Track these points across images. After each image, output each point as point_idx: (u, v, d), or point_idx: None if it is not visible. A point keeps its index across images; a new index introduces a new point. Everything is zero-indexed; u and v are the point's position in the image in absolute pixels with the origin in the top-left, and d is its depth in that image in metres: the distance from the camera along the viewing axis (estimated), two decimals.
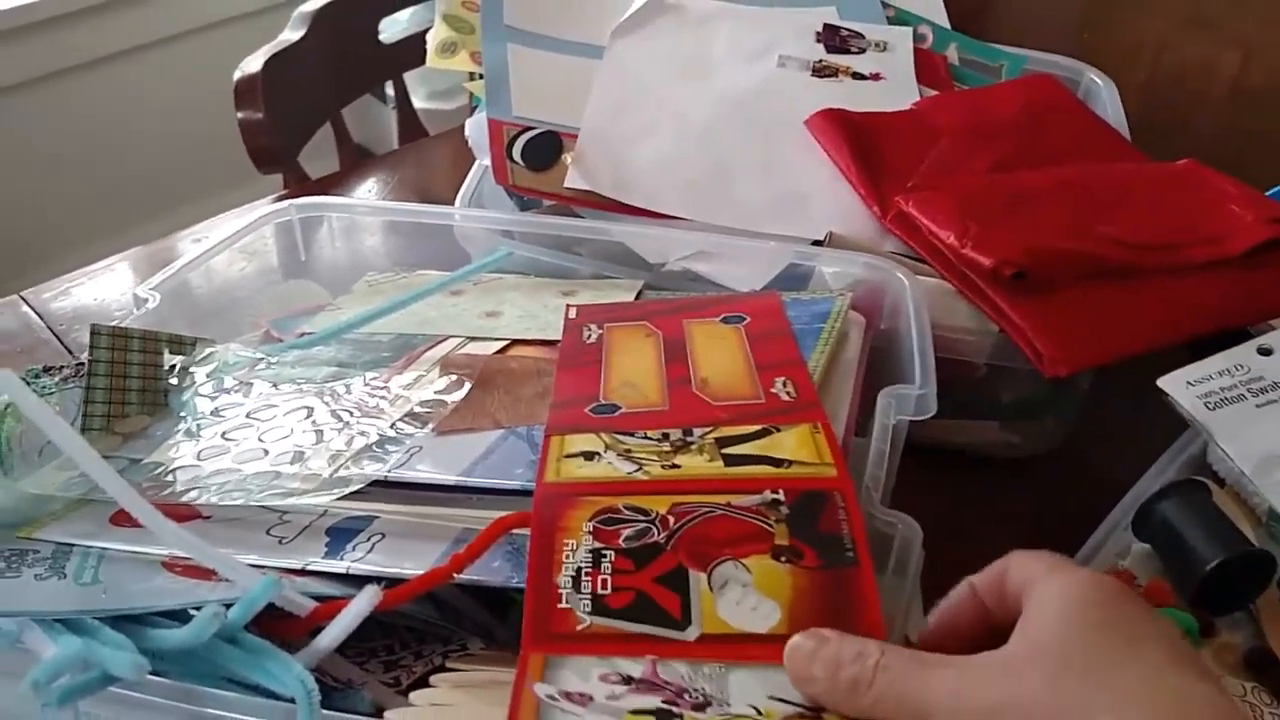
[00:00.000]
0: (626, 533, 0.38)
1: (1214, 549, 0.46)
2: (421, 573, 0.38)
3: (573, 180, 0.67)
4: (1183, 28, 1.12)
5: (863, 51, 0.82)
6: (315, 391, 0.51)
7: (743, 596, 0.35)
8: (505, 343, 0.56)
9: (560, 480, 0.41)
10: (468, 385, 0.51)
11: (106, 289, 0.81)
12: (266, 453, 0.46)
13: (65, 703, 0.32)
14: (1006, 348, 0.57)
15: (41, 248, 1.75)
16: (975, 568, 0.35)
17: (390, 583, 0.38)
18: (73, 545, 0.42)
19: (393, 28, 1.00)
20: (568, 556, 0.37)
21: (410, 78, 1.08)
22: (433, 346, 0.56)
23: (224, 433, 0.48)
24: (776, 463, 0.40)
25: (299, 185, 0.96)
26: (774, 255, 0.62)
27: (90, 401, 0.48)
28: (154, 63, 1.77)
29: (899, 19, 0.87)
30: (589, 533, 0.38)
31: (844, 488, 0.39)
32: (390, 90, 1.09)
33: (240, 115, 0.83)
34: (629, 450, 0.43)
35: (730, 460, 0.41)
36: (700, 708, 0.32)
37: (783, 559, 0.36)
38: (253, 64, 0.83)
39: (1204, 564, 0.46)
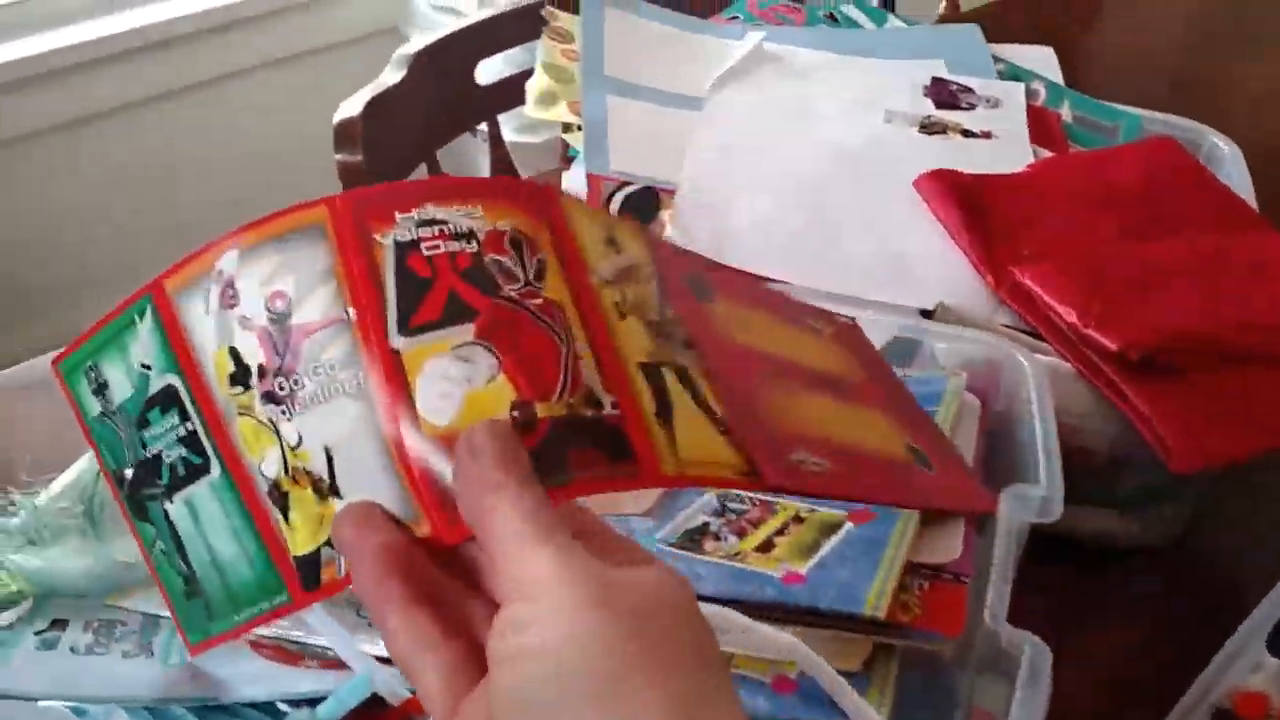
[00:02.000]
0: (499, 257, 0.30)
1: None
2: None
3: (672, 239, 0.65)
4: None
5: (973, 108, 0.79)
6: None
7: (456, 374, 0.28)
8: None
9: (563, 199, 0.33)
10: None
11: None
12: None
13: None
14: (1129, 436, 0.54)
15: (127, 268, 1.79)
16: (1090, 665, 0.32)
17: None
18: (159, 618, 0.41)
19: (491, 69, 1.00)
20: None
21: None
22: None
23: None
24: (664, 418, 0.31)
25: None
26: (880, 325, 0.59)
27: None
28: (249, 89, 1.81)
29: (1010, 74, 0.84)
30: (490, 227, 0.30)
31: (647, 474, 0.29)
32: (483, 126, 1.09)
33: (338, 157, 0.84)
34: (630, 279, 0.34)
35: (650, 373, 0.31)
36: (274, 401, 0.28)
37: (515, 415, 0.28)
38: (353, 107, 0.84)
39: None
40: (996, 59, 0.85)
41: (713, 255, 0.65)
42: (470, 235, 0.30)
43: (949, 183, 0.68)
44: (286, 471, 0.28)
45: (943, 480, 0.42)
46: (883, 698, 0.35)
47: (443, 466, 0.28)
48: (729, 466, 0.32)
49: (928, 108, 0.78)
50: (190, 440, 0.30)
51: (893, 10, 0.95)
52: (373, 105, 0.85)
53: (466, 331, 0.29)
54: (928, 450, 0.43)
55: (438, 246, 0.30)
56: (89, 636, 0.40)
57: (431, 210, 0.30)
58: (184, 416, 0.30)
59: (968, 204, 0.67)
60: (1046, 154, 0.76)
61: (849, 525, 0.41)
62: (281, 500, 0.28)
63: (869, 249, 0.67)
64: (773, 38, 0.82)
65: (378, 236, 0.30)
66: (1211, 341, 0.56)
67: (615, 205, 0.67)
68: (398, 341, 0.28)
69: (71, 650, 0.39)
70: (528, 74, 0.78)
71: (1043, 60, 0.87)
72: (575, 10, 0.79)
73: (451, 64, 0.96)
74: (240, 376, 0.29)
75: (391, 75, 0.90)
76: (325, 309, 0.29)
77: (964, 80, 0.81)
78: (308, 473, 0.28)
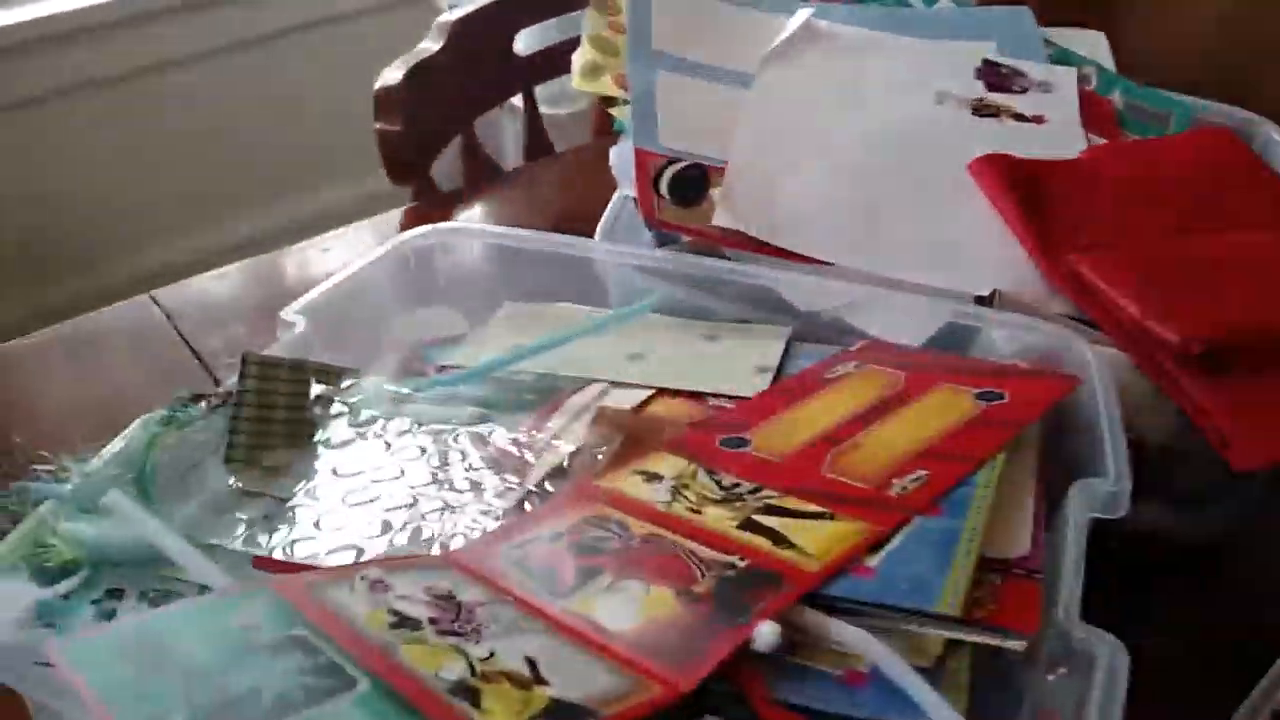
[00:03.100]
0: (592, 533, 0.41)
1: None
2: None
3: (721, 219, 0.64)
4: None
5: (1024, 91, 0.78)
6: (456, 434, 0.49)
7: (621, 601, 0.37)
8: (652, 391, 0.54)
9: (601, 483, 0.45)
10: (617, 440, 0.48)
11: (236, 293, 0.81)
12: (390, 526, 0.44)
13: None
14: (1187, 430, 0.53)
15: (173, 221, 1.78)
16: (1140, 664, 0.32)
17: None
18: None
19: (529, 39, 0.99)
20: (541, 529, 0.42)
21: None
22: (576, 391, 0.54)
23: (365, 474, 0.47)
24: (784, 543, 0.39)
25: (427, 196, 0.95)
26: (933, 311, 0.59)
27: (236, 432, 0.47)
28: (288, 51, 1.79)
29: (1060, 58, 0.82)
30: (568, 527, 0.42)
31: (801, 579, 0.37)
32: (515, 101, 1.08)
33: (378, 126, 0.83)
34: (686, 485, 0.44)
35: (750, 525, 0.41)
36: (454, 634, 0.34)
37: (683, 600, 0.36)
38: (393, 75, 0.83)
39: None
40: (1047, 42, 0.83)
41: (762, 236, 0.64)
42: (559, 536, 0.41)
43: (1004, 167, 0.67)
44: (474, 674, 0.33)
45: (1018, 399, 0.48)
46: (957, 695, 0.35)
47: (648, 642, 0.35)
48: (853, 535, 0.40)
49: (980, 90, 0.77)
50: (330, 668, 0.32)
51: None
52: (413, 73, 0.84)
53: (604, 579, 0.38)
54: (993, 385, 0.49)
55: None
56: (145, 607, 0.39)
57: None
58: (317, 652, 0.33)
59: (1023, 189, 0.66)
60: (1099, 140, 0.75)
61: (918, 519, 0.41)
62: (470, 695, 0.32)
63: (919, 232, 0.66)
64: (822, 14, 0.80)
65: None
66: (1273, 337, 0.55)
67: (665, 181, 0.66)
68: (557, 607, 0.37)
69: None
70: (565, 46, 0.77)
71: (1093, 44, 0.85)
72: None
73: (490, 33, 0.95)
74: (403, 624, 0.35)
75: (430, 44, 0.89)
76: (485, 595, 0.37)
77: (1015, 63, 0.79)
78: (504, 672, 0.33)
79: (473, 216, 0.88)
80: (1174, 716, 0.49)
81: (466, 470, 0.48)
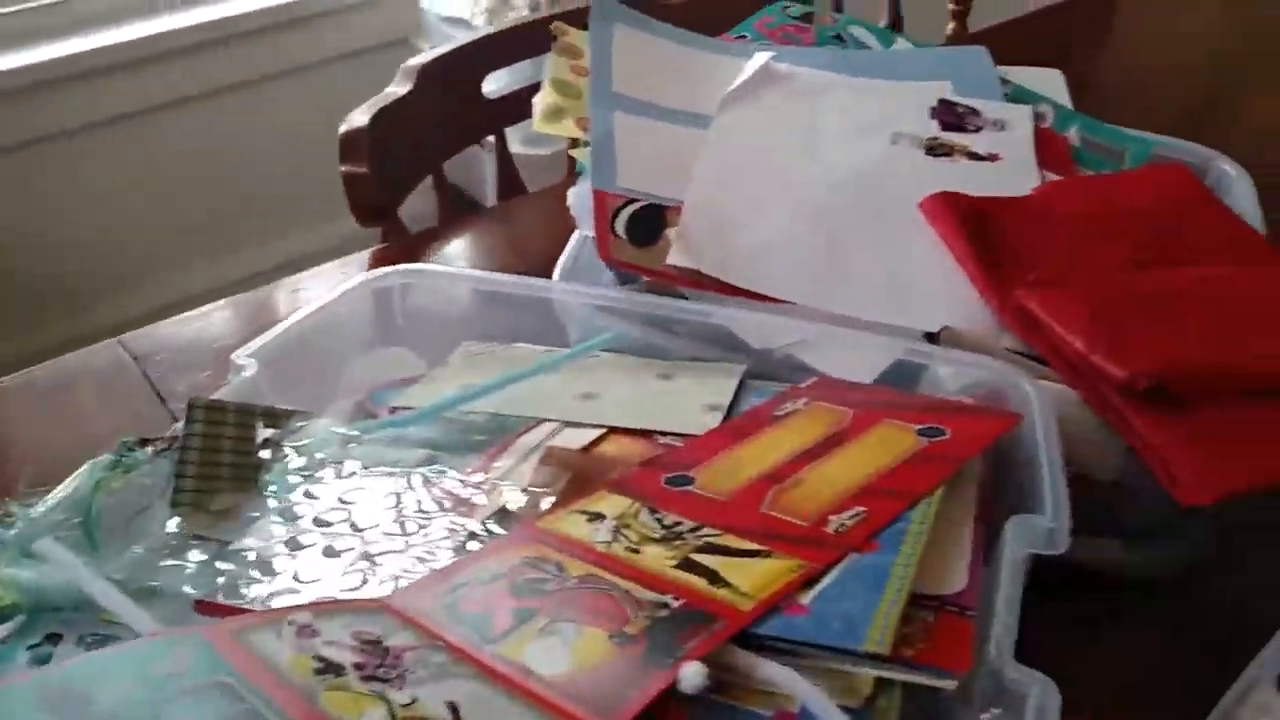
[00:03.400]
0: (529, 574, 0.41)
1: None
2: None
3: (676, 257, 0.65)
4: None
5: (980, 130, 0.79)
6: (405, 476, 0.50)
7: (552, 644, 0.37)
8: (602, 430, 0.54)
9: (542, 524, 0.45)
10: (563, 480, 0.49)
11: (204, 335, 0.82)
12: (336, 569, 0.44)
13: None
14: (1135, 466, 0.53)
15: (143, 268, 1.79)
16: (1091, 702, 0.32)
17: None
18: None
19: (497, 82, 1.00)
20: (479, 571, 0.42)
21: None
22: (527, 431, 0.54)
23: (313, 517, 0.47)
24: (719, 582, 0.40)
25: (396, 237, 0.95)
26: (883, 349, 0.59)
27: (182, 476, 0.48)
28: (263, 96, 1.81)
29: (1017, 96, 0.84)
30: (507, 569, 0.42)
31: (733, 619, 0.38)
32: (490, 138, 1.09)
33: (344, 169, 0.84)
34: (628, 525, 0.44)
35: (687, 565, 0.41)
36: (377, 680, 0.34)
37: (615, 641, 0.37)
38: (359, 119, 0.84)
39: None
40: (1004, 81, 0.84)
41: (717, 275, 0.65)
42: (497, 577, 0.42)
43: (954, 205, 0.68)
44: (394, 718, 0.33)
45: (960, 435, 0.49)
46: None
47: (576, 686, 0.35)
48: (787, 573, 0.40)
49: (934, 129, 0.78)
50: (252, 716, 0.32)
51: (900, 31, 0.95)
52: (379, 116, 0.85)
53: (538, 621, 0.38)
54: (935, 422, 0.50)
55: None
56: (82, 652, 0.39)
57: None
58: (240, 700, 0.33)
59: (973, 227, 0.66)
60: (1054, 177, 0.76)
61: (852, 555, 0.41)
62: None
63: (874, 270, 0.67)
64: (780, 57, 0.81)
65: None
66: (1221, 373, 0.55)
67: (621, 221, 0.67)
68: (487, 651, 0.37)
69: None
70: (535, 88, 0.78)
71: (1050, 83, 0.87)
72: (584, 26, 0.79)
73: (459, 76, 0.96)
74: (327, 670, 0.35)
75: (399, 87, 0.90)
76: (416, 639, 0.37)
77: (971, 102, 0.81)
78: (424, 719, 0.33)
79: (442, 258, 0.89)
80: None
81: (415, 512, 0.48)
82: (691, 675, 0.34)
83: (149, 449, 0.48)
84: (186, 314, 0.84)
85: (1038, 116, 0.82)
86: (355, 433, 0.52)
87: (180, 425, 0.49)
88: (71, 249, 1.72)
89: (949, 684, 0.36)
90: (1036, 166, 0.76)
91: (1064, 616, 0.50)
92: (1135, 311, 0.60)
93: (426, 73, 0.91)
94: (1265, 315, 0.59)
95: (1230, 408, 0.54)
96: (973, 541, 0.43)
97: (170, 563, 0.45)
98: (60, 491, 0.46)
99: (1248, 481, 0.51)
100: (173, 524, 0.47)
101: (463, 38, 1.01)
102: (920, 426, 0.49)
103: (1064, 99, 0.85)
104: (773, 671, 0.35)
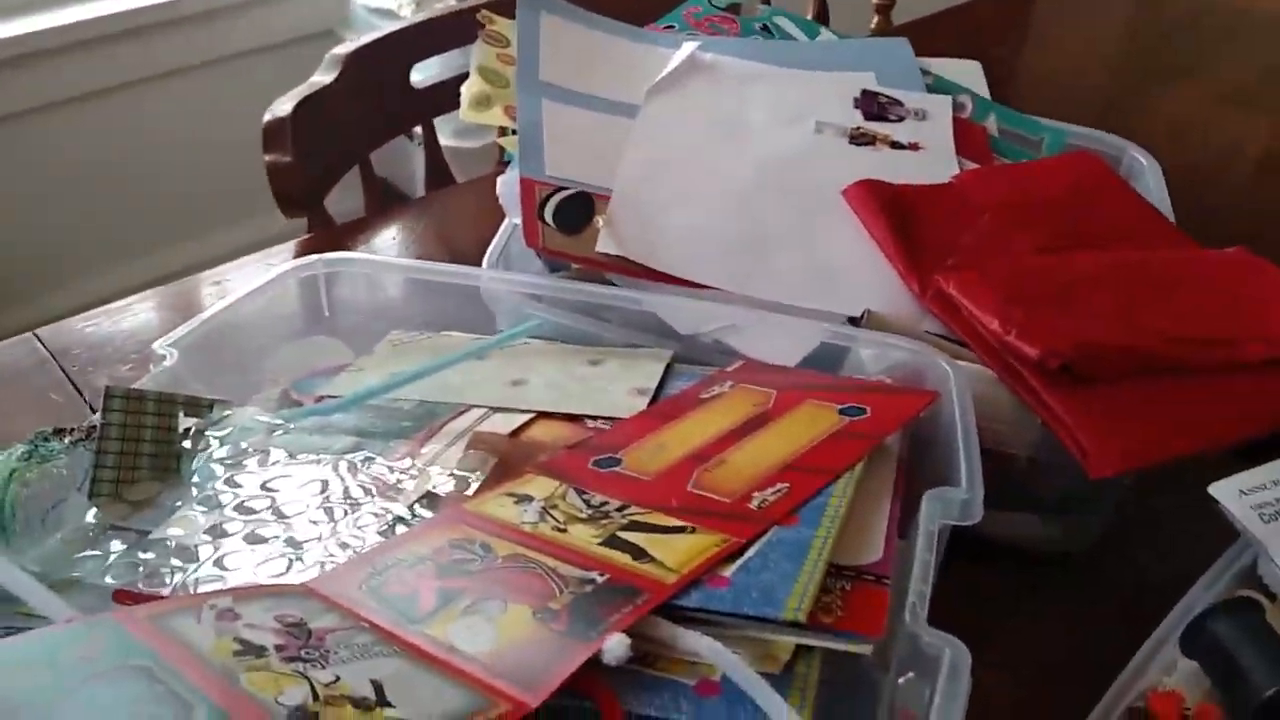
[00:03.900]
0: (455, 556, 0.41)
1: (1272, 675, 0.43)
2: None
3: (604, 245, 0.65)
4: (1216, 103, 1.11)
5: (901, 119, 0.81)
6: (332, 463, 0.49)
7: (477, 622, 0.37)
8: (531, 415, 0.55)
9: (469, 508, 0.45)
10: (491, 464, 0.49)
11: (123, 329, 0.80)
12: (261, 556, 0.44)
13: None
14: (1049, 441, 0.55)
15: (62, 268, 1.75)
16: (1010, 671, 0.33)
17: None
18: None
19: (426, 71, 0.99)
20: (405, 554, 0.42)
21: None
22: (456, 417, 0.54)
23: (236, 505, 0.47)
24: (644, 558, 0.41)
25: (323, 229, 0.94)
26: (807, 332, 0.60)
27: (100, 466, 0.47)
28: (184, 88, 1.78)
29: (938, 87, 0.86)
30: (432, 551, 0.42)
31: (656, 592, 0.38)
32: (418, 129, 1.08)
33: (268, 158, 0.82)
34: (555, 505, 0.45)
35: (613, 542, 0.42)
36: (300, 660, 0.34)
37: (539, 617, 0.37)
38: (282, 107, 0.82)
39: (1261, 691, 0.43)
40: (925, 72, 0.86)
41: (644, 262, 0.65)
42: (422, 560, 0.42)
43: (876, 192, 0.69)
44: (316, 698, 0.33)
45: (880, 413, 0.50)
46: (804, 699, 0.36)
47: (501, 661, 0.35)
48: (710, 547, 0.41)
49: (857, 119, 0.79)
50: (169, 697, 0.32)
51: (826, 23, 0.97)
52: (303, 105, 0.84)
53: (463, 600, 0.38)
54: (856, 401, 0.51)
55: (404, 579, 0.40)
56: None
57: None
58: (158, 681, 0.32)
59: (894, 213, 0.68)
60: (973, 165, 0.78)
61: (775, 529, 0.42)
62: (310, 718, 0.32)
63: (798, 258, 0.68)
64: (707, 47, 0.82)
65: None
66: (1129, 351, 0.57)
67: (550, 209, 0.67)
68: (411, 631, 0.37)
69: None
70: (463, 78, 0.78)
71: (970, 74, 0.89)
72: (511, 15, 0.79)
73: (385, 66, 0.96)
74: (247, 651, 0.34)
75: (323, 76, 0.89)
76: (340, 621, 0.37)
77: (893, 92, 0.82)
78: (347, 696, 0.33)
79: (370, 248, 0.88)
80: (1043, 711, 0.51)
81: (341, 498, 0.48)
82: (614, 647, 0.35)
83: (65, 439, 0.47)
84: (106, 307, 0.82)
85: (957, 107, 0.84)
86: (280, 421, 0.52)
87: (98, 416, 0.48)
88: None
89: (865, 649, 0.37)
90: (956, 155, 0.78)
91: (981, 589, 0.52)
92: (1048, 294, 0.61)
93: (352, 61, 0.90)
94: (1170, 297, 0.61)
95: (1136, 384, 0.56)
96: (890, 514, 0.44)
97: (89, 553, 0.44)
98: None
99: (1154, 453, 0.54)
100: (91, 514, 0.46)
101: (388, 27, 1.00)
102: (842, 406, 0.50)
103: (983, 90, 0.87)
104: (694, 641, 0.36)
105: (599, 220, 0.67)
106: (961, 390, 0.51)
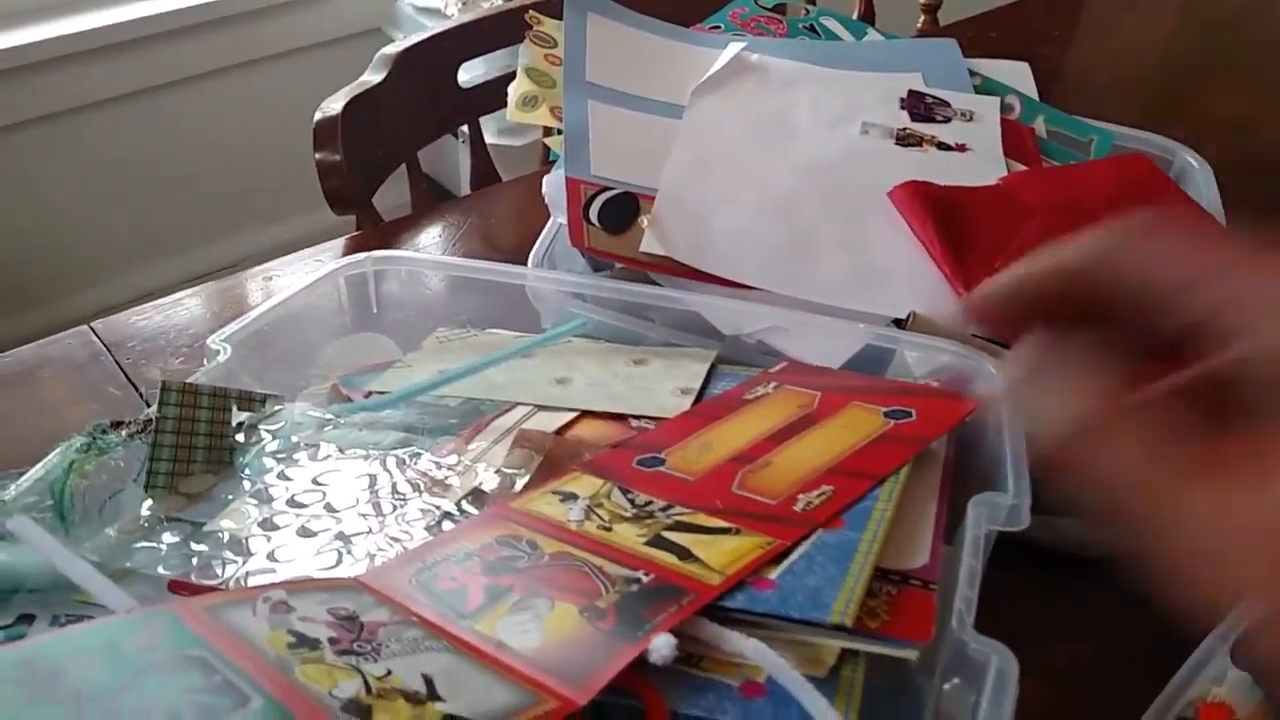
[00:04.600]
0: (502, 552, 0.42)
1: None
2: None
3: (649, 245, 0.66)
4: (1271, 103, 1.09)
5: (948, 120, 0.80)
6: (380, 459, 0.50)
7: (525, 619, 0.38)
8: (575, 413, 0.55)
9: (516, 505, 0.46)
10: (536, 461, 0.49)
11: (175, 322, 0.82)
12: (311, 549, 0.45)
13: None
14: None
15: (112, 262, 1.78)
16: (1053, 674, 0.32)
17: None
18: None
19: (472, 71, 1.00)
20: (453, 550, 0.42)
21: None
22: (501, 414, 0.55)
23: (288, 499, 0.47)
24: (689, 558, 0.41)
25: (371, 226, 0.96)
26: (852, 334, 0.60)
27: (156, 459, 0.48)
28: (234, 86, 1.80)
29: (986, 88, 0.85)
30: (480, 547, 0.42)
31: (702, 593, 0.38)
32: (464, 127, 1.09)
33: (318, 156, 0.84)
34: (600, 504, 0.45)
35: (657, 542, 0.42)
36: (353, 654, 0.35)
37: (586, 615, 0.38)
38: (333, 106, 0.84)
39: None
40: (973, 73, 0.86)
41: (689, 262, 0.65)
42: (470, 556, 0.42)
43: (923, 194, 0.69)
44: (369, 691, 0.33)
45: (925, 416, 0.50)
46: (849, 703, 0.36)
47: (549, 658, 0.35)
48: (755, 549, 0.41)
49: (904, 120, 0.79)
50: (226, 687, 0.32)
51: (872, 23, 0.96)
52: (353, 104, 0.85)
53: (511, 597, 0.39)
54: (901, 404, 0.51)
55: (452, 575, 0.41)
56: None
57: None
58: (214, 672, 0.33)
59: (941, 215, 0.68)
60: (1020, 167, 0.77)
61: (819, 532, 0.42)
62: (362, 712, 0.32)
63: (843, 259, 0.68)
64: (753, 48, 0.82)
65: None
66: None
67: (595, 209, 0.67)
68: (461, 626, 0.37)
69: None
70: (510, 77, 0.78)
71: (1018, 75, 0.88)
72: (558, 15, 0.79)
73: (434, 65, 0.97)
74: (301, 644, 0.35)
75: (373, 75, 0.90)
76: (390, 615, 0.38)
77: (940, 93, 0.82)
78: (399, 690, 0.33)
79: (416, 245, 0.89)
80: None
81: (390, 493, 0.48)
82: (661, 646, 0.35)
83: (122, 431, 0.48)
84: (158, 301, 0.84)
85: (1005, 108, 0.83)
86: (330, 416, 0.53)
87: (153, 409, 0.49)
88: (40, 239, 1.70)
89: (911, 654, 0.37)
90: (1004, 157, 0.77)
91: (1016, 591, 0.51)
92: None
93: (401, 61, 0.91)
94: None
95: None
96: (936, 518, 0.44)
97: (144, 544, 0.45)
98: (32, 474, 0.46)
99: None
100: (146, 506, 0.47)
101: (436, 26, 1.01)
102: (887, 409, 0.50)
103: (1031, 91, 0.87)
104: (740, 643, 0.36)
105: (643, 220, 0.67)
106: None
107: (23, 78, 1.60)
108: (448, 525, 0.45)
